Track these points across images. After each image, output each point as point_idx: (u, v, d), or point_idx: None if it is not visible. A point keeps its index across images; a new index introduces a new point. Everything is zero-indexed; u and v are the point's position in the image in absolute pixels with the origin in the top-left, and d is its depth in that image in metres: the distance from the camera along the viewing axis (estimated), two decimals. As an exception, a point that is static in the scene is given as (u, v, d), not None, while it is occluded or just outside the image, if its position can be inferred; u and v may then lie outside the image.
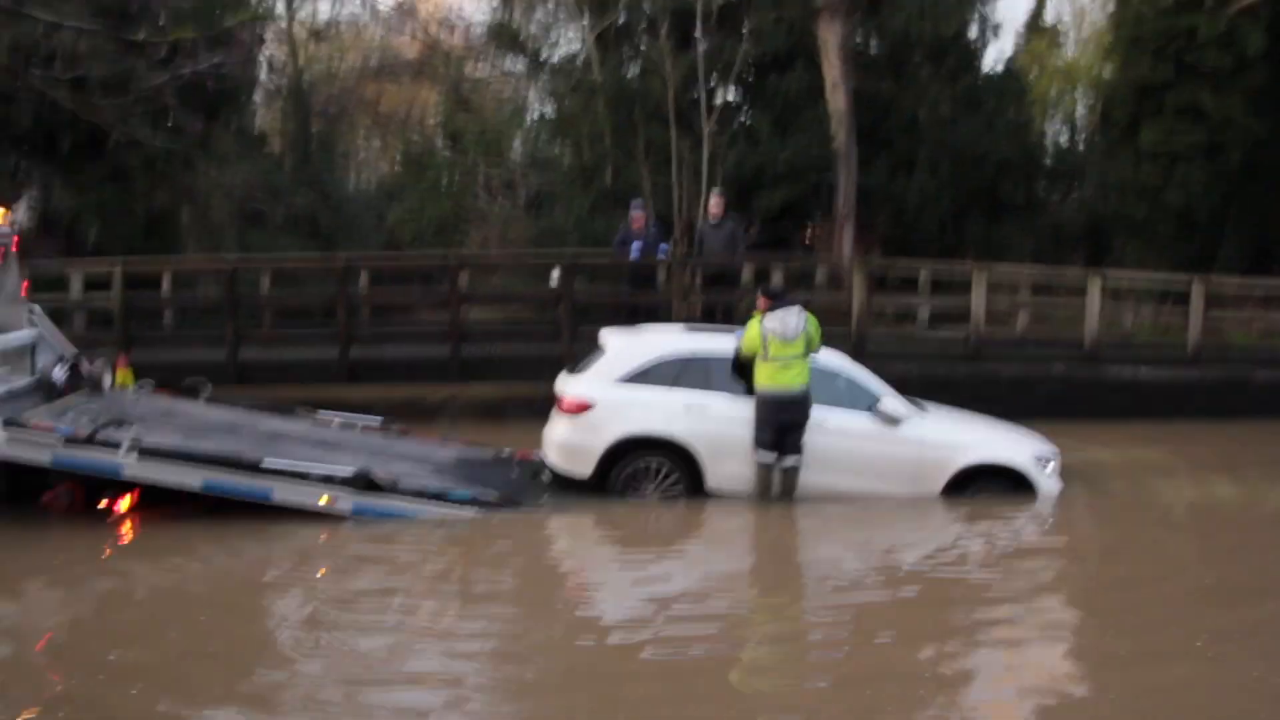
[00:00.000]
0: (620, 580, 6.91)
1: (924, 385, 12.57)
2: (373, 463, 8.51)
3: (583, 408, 8.54)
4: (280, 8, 19.64)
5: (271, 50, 26.61)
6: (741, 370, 8.71)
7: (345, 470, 7.96)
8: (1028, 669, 5.33)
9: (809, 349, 8.57)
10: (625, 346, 8.92)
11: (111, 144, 17.04)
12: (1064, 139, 28.25)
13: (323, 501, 7.82)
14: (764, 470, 8.48)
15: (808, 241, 21.03)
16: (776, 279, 12.48)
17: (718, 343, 8.95)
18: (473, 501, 8.15)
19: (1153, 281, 16.37)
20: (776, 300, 8.73)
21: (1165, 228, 19.14)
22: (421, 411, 13.83)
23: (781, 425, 8.41)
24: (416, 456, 9.37)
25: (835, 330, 13.47)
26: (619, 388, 8.62)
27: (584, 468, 8.54)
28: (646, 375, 8.68)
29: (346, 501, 7.85)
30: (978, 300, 13.17)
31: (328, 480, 7.87)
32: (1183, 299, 14.79)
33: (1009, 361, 13.41)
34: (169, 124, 17.31)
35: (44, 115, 17.18)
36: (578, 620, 6.13)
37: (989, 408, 12.56)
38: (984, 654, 5.60)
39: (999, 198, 20.60)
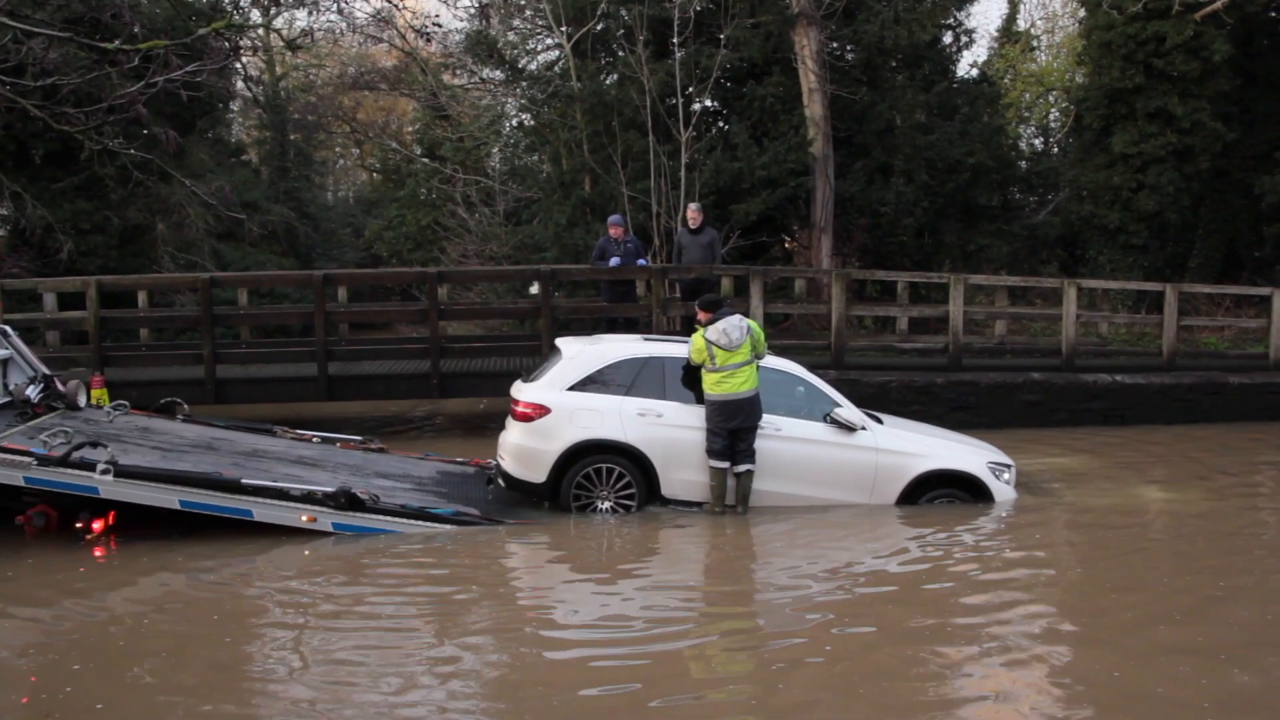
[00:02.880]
0: (587, 595, 6.86)
1: (904, 394, 12.75)
2: (352, 480, 8.51)
3: (537, 414, 8.53)
4: (256, 17, 19.47)
5: (248, 60, 26.51)
6: (692, 381, 8.74)
7: (325, 488, 7.93)
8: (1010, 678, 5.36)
9: (755, 353, 8.64)
10: (580, 353, 8.91)
11: (85, 156, 16.89)
12: (1038, 144, 28.54)
13: (304, 520, 7.79)
14: (719, 477, 8.50)
15: (787, 248, 21.12)
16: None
17: (672, 351, 8.94)
18: (454, 518, 8.14)
19: (1126, 288, 16.55)
20: (714, 312, 8.75)
21: (1138, 233, 19.38)
22: (401, 427, 13.86)
23: (733, 431, 8.43)
24: (396, 473, 9.36)
25: (814, 342, 13.65)
26: (574, 394, 8.61)
27: (538, 474, 8.52)
28: (601, 382, 8.69)
29: (327, 519, 7.83)
30: (955, 309, 13.25)
31: (308, 498, 7.84)
32: (1157, 305, 14.97)
33: (987, 370, 13.51)
34: (144, 134, 17.18)
35: (15, 126, 17.03)
36: (542, 639, 6.10)
37: (968, 416, 12.75)
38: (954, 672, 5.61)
39: (975, 204, 20.76)
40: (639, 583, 7.12)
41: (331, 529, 7.82)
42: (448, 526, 8.05)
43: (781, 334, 14.34)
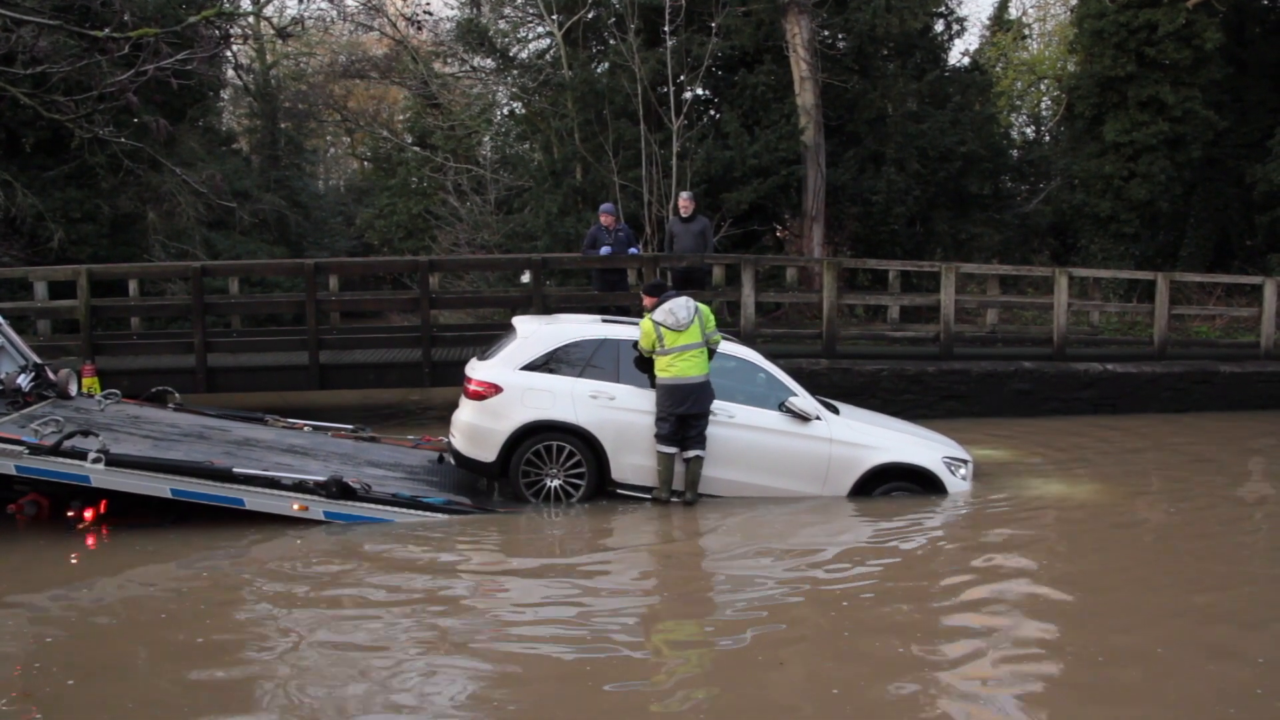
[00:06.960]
0: (538, 588, 6.76)
1: (895, 383, 12.78)
2: (344, 469, 8.51)
3: (489, 392, 8.44)
4: (246, 5, 19.39)
5: (238, 49, 26.40)
6: (644, 365, 8.64)
7: (317, 477, 7.93)
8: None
9: (707, 338, 8.48)
10: (535, 333, 8.79)
11: (75, 144, 16.82)
12: (1030, 133, 28.58)
13: (295, 508, 7.78)
14: (666, 463, 8.41)
15: (779, 236, 21.15)
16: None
17: (628, 333, 8.81)
18: (446, 507, 8.14)
19: (1118, 277, 16.60)
20: (658, 295, 8.69)
21: (1129, 222, 19.44)
22: (393, 416, 13.85)
23: (682, 416, 8.32)
24: (388, 462, 9.35)
25: (806, 331, 13.64)
26: (526, 374, 8.51)
27: (487, 453, 8.44)
28: (554, 363, 8.60)
29: (319, 508, 7.82)
30: (947, 298, 13.27)
31: (299, 487, 7.83)
32: (1148, 294, 15.02)
33: (978, 359, 13.54)
34: (134, 123, 17.11)
35: (5, 114, 16.96)
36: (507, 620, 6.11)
37: (959, 404, 12.79)
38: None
39: (966, 193, 20.78)
40: (603, 570, 7.14)
41: (323, 518, 7.81)
42: (439, 515, 8.05)
43: (773, 323, 14.36)
